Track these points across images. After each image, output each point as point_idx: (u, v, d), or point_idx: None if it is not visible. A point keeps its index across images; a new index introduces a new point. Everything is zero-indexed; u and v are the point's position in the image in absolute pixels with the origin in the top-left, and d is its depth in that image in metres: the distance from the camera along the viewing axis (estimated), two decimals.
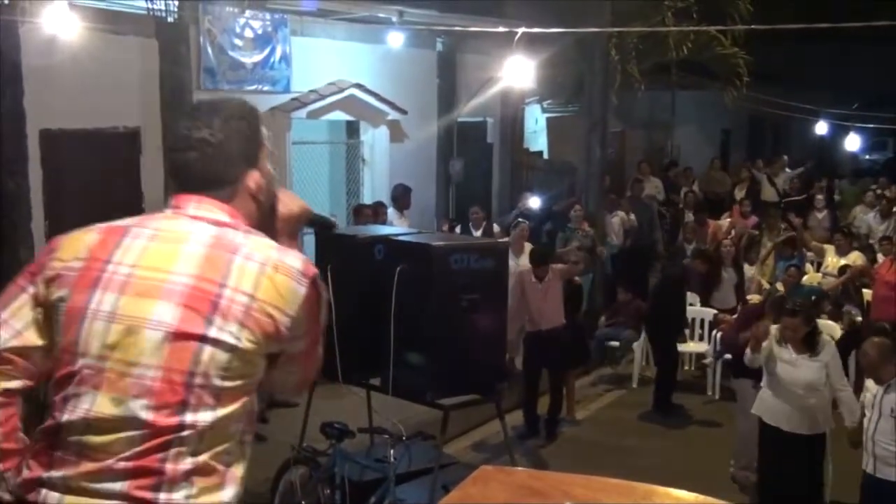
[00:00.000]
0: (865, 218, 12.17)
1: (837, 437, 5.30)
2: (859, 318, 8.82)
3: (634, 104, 14.16)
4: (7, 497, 1.54)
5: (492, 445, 6.76)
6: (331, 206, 10.57)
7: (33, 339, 1.57)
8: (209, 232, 1.57)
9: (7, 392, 1.57)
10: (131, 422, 1.48)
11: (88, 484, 1.48)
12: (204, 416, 1.50)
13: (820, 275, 10.00)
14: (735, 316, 7.81)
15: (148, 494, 1.47)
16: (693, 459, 6.63)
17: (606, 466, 5.59)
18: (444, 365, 4.63)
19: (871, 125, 20.06)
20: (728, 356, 7.22)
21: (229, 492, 1.57)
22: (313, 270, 1.61)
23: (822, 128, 20.54)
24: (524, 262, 8.10)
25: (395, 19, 9.51)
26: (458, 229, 9.33)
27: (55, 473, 1.49)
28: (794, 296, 7.81)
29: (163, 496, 1.47)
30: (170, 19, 7.76)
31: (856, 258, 9.69)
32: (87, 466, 1.48)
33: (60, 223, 6.19)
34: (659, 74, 13.18)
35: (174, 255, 1.54)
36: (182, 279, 1.52)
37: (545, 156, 14.47)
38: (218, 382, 1.51)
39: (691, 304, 8.83)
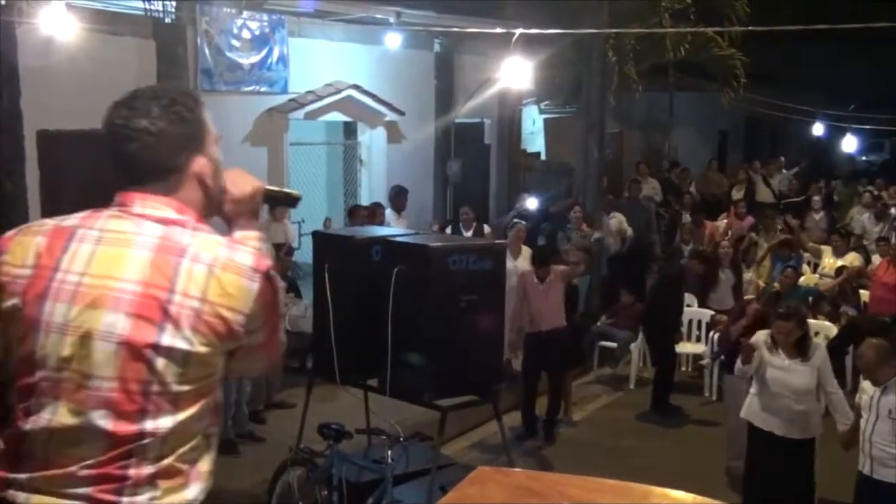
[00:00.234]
0: (860, 219, 12.20)
1: (826, 440, 5.30)
2: None
3: (632, 105, 14.18)
4: None
5: (489, 446, 6.76)
6: (328, 206, 10.57)
7: None
8: (155, 232, 1.54)
9: None
10: (92, 432, 1.49)
11: (53, 487, 1.50)
12: (164, 422, 1.50)
13: (817, 276, 10.02)
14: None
15: (112, 497, 1.49)
16: (690, 460, 6.64)
17: (604, 467, 5.59)
18: (441, 366, 4.63)
19: (868, 126, 20.09)
20: (722, 357, 7.23)
21: (194, 489, 1.57)
22: (266, 264, 1.58)
23: (819, 129, 20.58)
24: (521, 262, 8.11)
25: (392, 20, 9.51)
26: (448, 229, 9.30)
27: (21, 476, 1.51)
28: (791, 297, 7.82)
29: (126, 499, 1.49)
30: (167, 20, 7.76)
31: (853, 259, 9.71)
32: (52, 472, 1.50)
33: None
34: (656, 76, 13.19)
35: (121, 261, 1.52)
36: (130, 286, 1.50)
37: (543, 157, 14.49)
38: (175, 388, 1.50)
39: (689, 306, 8.83)
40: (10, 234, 1.60)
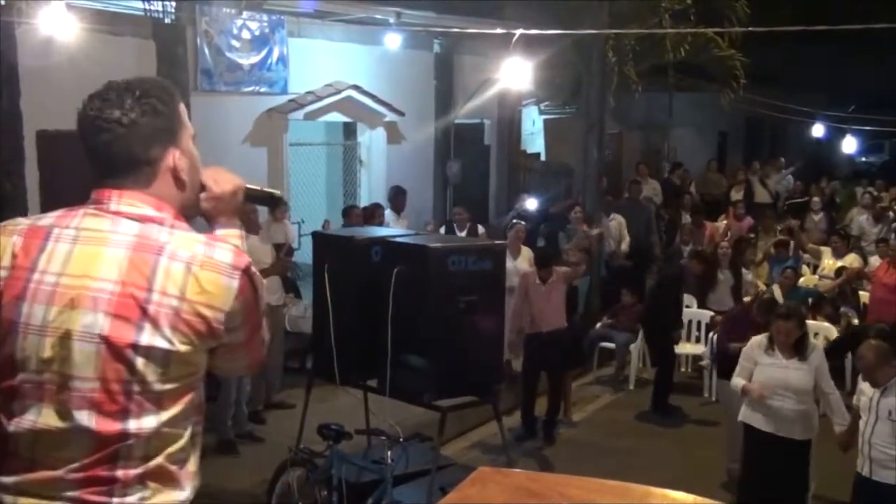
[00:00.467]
0: (859, 220, 12.21)
1: (822, 441, 5.30)
2: (856, 321, 8.85)
3: (632, 106, 14.18)
4: None
5: (489, 447, 6.76)
6: (328, 207, 10.57)
7: None
8: (131, 231, 1.52)
9: None
10: (77, 433, 1.48)
11: (42, 490, 1.49)
12: (148, 422, 1.49)
13: (816, 277, 10.02)
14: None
15: (101, 498, 1.49)
16: (690, 460, 6.64)
17: (604, 468, 5.60)
18: (441, 366, 4.62)
19: (868, 127, 20.10)
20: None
21: (186, 490, 1.56)
22: (245, 261, 1.56)
23: (818, 130, 20.59)
24: (521, 263, 8.11)
25: (392, 21, 9.51)
26: (443, 230, 9.28)
27: (8, 479, 1.50)
28: (791, 298, 7.82)
29: (116, 500, 1.49)
30: (167, 20, 7.76)
31: (852, 260, 9.71)
32: (39, 475, 1.49)
33: None
34: (656, 76, 13.19)
35: (97, 260, 1.50)
36: (108, 286, 1.48)
37: (542, 157, 14.48)
38: (157, 387, 1.49)
39: (688, 307, 8.84)
40: None
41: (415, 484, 4.82)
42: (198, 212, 1.66)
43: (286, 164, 9.45)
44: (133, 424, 1.49)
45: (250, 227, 6.66)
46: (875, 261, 9.64)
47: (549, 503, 1.86)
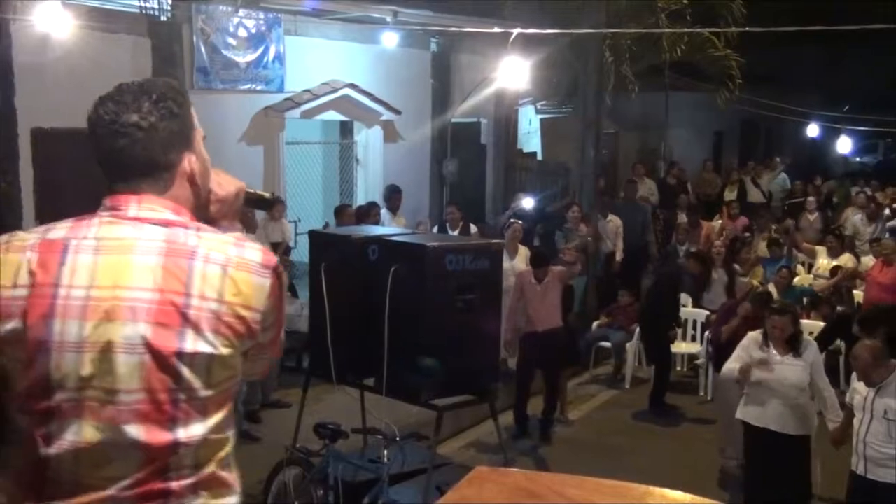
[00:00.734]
0: (853, 219, 12.24)
1: (819, 438, 5.32)
2: None
3: (628, 106, 14.19)
4: None
5: (485, 446, 6.76)
6: (324, 206, 10.56)
7: None
8: (158, 236, 1.48)
9: None
10: (124, 448, 1.44)
11: None
12: (196, 430, 1.47)
13: (811, 276, 10.04)
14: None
15: None
16: (686, 459, 6.65)
17: (600, 467, 5.59)
18: (438, 365, 4.62)
19: (863, 128, 20.16)
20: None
21: (237, 493, 1.57)
22: (273, 260, 1.56)
23: (813, 130, 20.64)
24: (518, 262, 8.11)
25: (389, 19, 9.50)
26: (435, 229, 9.26)
27: None
28: (787, 297, 7.85)
29: None
30: (163, 18, 7.75)
31: (847, 260, 9.74)
32: (87, 497, 1.44)
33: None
34: (653, 76, 13.21)
35: (127, 269, 1.45)
36: (145, 295, 1.44)
37: (539, 157, 14.48)
38: (202, 393, 1.47)
39: (684, 306, 8.85)
40: None
41: (411, 483, 4.82)
42: (205, 215, 1.63)
43: (282, 163, 9.43)
44: (182, 433, 1.46)
45: (247, 225, 6.66)
46: (869, 260, 9.67)
47: (547, 503, 1.86)
